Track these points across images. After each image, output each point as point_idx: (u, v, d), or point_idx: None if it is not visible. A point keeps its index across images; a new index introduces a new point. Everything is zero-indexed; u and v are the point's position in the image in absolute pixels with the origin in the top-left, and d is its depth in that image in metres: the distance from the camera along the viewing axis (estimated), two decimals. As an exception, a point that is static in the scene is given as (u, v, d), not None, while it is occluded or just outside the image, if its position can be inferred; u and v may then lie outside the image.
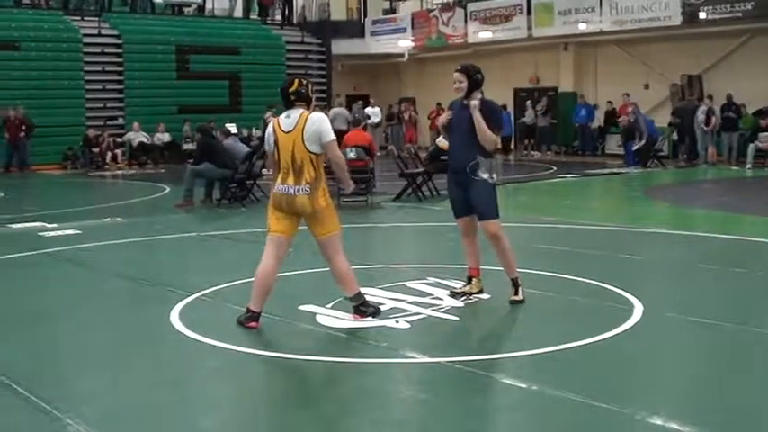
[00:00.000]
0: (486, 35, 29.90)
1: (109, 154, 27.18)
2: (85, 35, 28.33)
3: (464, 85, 7.56)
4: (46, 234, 12.48)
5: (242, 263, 10.09)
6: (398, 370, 5.95)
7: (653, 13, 25.75)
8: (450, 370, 5.81)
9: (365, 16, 36.32)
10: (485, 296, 7.78)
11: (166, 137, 28.37)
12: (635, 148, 23.42)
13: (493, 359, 6.15)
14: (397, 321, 6.99)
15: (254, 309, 6.90)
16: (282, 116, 6.98)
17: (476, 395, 5.42)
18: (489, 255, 7.82)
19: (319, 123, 6.85)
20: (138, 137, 27.78)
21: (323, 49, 33.46)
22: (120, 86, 28.85)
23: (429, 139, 29.27)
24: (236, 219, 14.40)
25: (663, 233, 12.18)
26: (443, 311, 7.33)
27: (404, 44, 32.99)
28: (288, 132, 6.84)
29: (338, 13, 35.86)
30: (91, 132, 27.05)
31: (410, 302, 7.60)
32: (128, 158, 27.75)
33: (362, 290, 7.20)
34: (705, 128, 23.38)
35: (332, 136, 6.88)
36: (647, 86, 27.12)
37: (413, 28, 32.85)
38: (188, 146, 27.22)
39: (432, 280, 8.47)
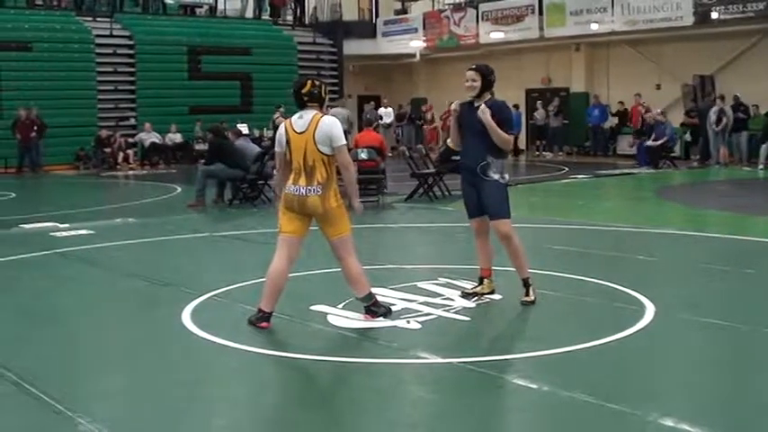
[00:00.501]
0: (497, 35, 29.86)
1: (121, 154, 27.27)
2: (97, 36, 28.42)
3: (478, 84, 7.55)
4: (58, 234, 12.52)
5: (253, 263, 10.11)
6: (409, 370, 5.95)
7: (665, 13, 25.69)
8: (462, 371, 5.81)
9: (377, 17, 36.31)
10: (496, 297, 7.77)
11: (178, 137, 28.44)
12: (648, 143, 23.41)
13: (504, 360, 6.14)
14: (408, 322, 6.99)
15: (265, 309, 6.91)
16: (295, 117, 6.98)
17: (487, 396, 5.42)
18: (501, 256, 7.81)
19: (330, 127, 6.83)
20: (149, 137, 27.86)
21: (334, 49, 33.48)
22: (132, 87, 28.93)
23: (441, 140, 29.28)
24: (247, 219, 14.42)
25: (675, 234, 12.15)
26: (455, 312, 7.32)
27: (415, 44, 32.98)
28: (300, 133, 6.85)
29: (350, 14, 35.85)
30: (103, 133, 27.15)
31: (421, 303, 7.59)
32: (139, 159, 27.84)
33: (373, 290, 7.20)
34: (716, 128, 23.31)
35: (342, 141, 6.86)
36: (658, 87, 27.05)
37: (424, 28, 32.82)
38: (200, 146, 27.30)
39: (443, 280, 8.46)
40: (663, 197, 17.01)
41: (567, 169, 23.35)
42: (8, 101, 25.74)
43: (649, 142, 23.47)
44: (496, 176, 7.51)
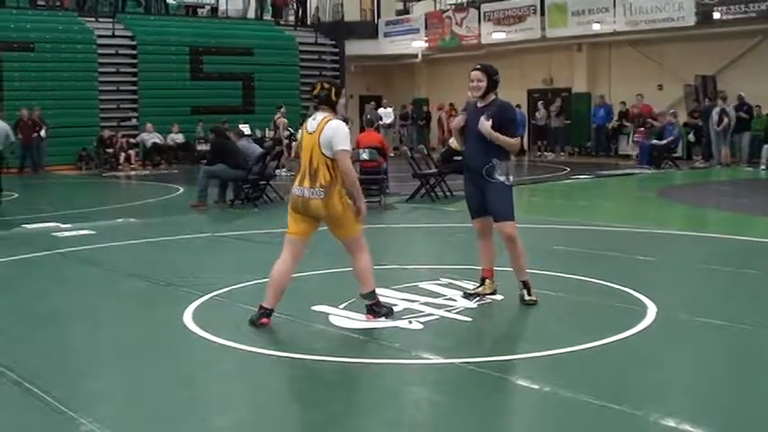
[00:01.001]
0: (499, 36, 29.85)
1: (123, 155, 27.28)
2: (100, 36, 28.45)
3: (483, 84, 7.54)
4: (60, 234, 12.54)
5: (255, 263, 10.12)
6: (411, 371, 5.95)
7: (667, 13, 25.67)
8: (464, 371, 5.81)
9: (379, 17, 36.31)
10: (498, 297, 7.77)
11: (180, 137, 28.46)
12: (653, 141, 23.45)
13: (506, 360, 6.14)
14: (410, 322, 6.99)
15: (266, 306, 6.93)
16: (311, 117, 7.05)
17: (489, 396, 5.42)
18: (504, 256, 7.80)
19: (334, 131, 6.82)
20: (151, 137, 27.88)
21: (336, 50, 33.49)
22: (134, 87, 28.96)
23: (437, 140, 29.35)
24: (249, 219, 14.43)
25: (676, 234, 12.15)
26: (456, 312, 7.33)
27: (417, 45, 32.97)
28: (310, 134, 6.92)
29: (352, 14, 35.85)
30: (105, 133, 27.18)
31: (423, 303, 7.59)
32: (141, 159, 27.86)
33: (376, 291, 7.20)
34: (717, 128, 23.30)
35: (342, 146, 6.83)
36: (660, 87, 27.03)
37: (426, 29, 32.81)
38: (201, 147, 27.34)
39: (445, 281, 8.46)
40: (664, 197, 17.00)
41: (568, 169, 23.34)
42: (10, 101, 25.74)
43: (655, 141, 23.50)
44: (502, 178, 7.51)
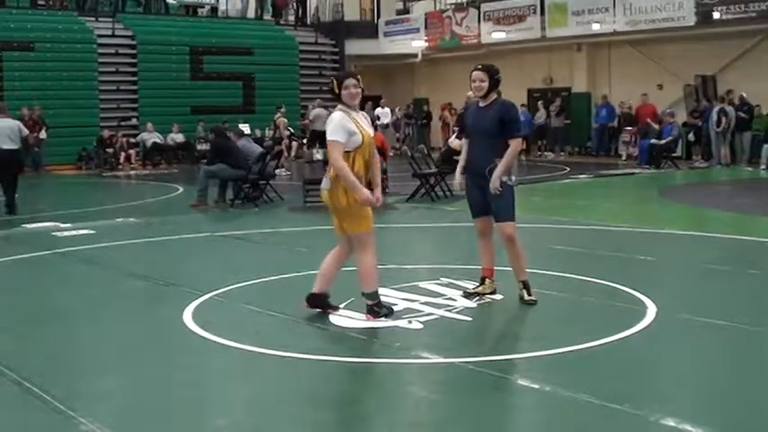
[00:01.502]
0: (499, 35, 29.85)
1: (123, 154, 27.30)
2: (100, 36, 28.46)
3: (485, 84, 7.54)
4: (60, 234, 12.54)
5: (255, 263, 10.14)
6: (411, 370, 5.95)
7: (667, 13, 25.67)
8: (464, 371, 5.81)
9: (378, 17, 36.31)
10: (498, 297, 7.77)
11: (180, 137, 28.46)
12: (653, 141, 23.47)
13: (506, 360, 6.14)
14: (409, 322, 6.99)
15: (313, 290, 7.22)
16: None
17: (489, 396, 5.41)
18: (504, 256, 7.80)
19: (329, 122, 7.01)
20: (151, 137, 27.88)
21: (336, 49, 33.50)
22: (134, 87, 28.96)
23: (441, 140, 29.30)
24: (249, 219, 14.43)
25: (676, 234, 12.15)
26: (456, 312, 7.32)
27: (417, 44, 32.97)
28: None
29: (351, 14, 35.84)
30: (105, 133, 27.17)
31: (423, 303, 7.59)
32: (141, 159, 27.87)
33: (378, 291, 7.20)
34: (717, 129, 23.30)
35: (332, 136, 6.90)
36: (660, 87, 27.02)
37: (426, 28, 32.80)
38: (201, 146, 27.34)
39: (445, 280, 8.46)
40: (665, 197, 17.00)
41: (568, 169, 23.34)
42: (11, 101, 25.68)
43: (654, 140, 23.52)
44: (504, 178, 7.51)
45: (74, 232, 12.65)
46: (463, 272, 8.67)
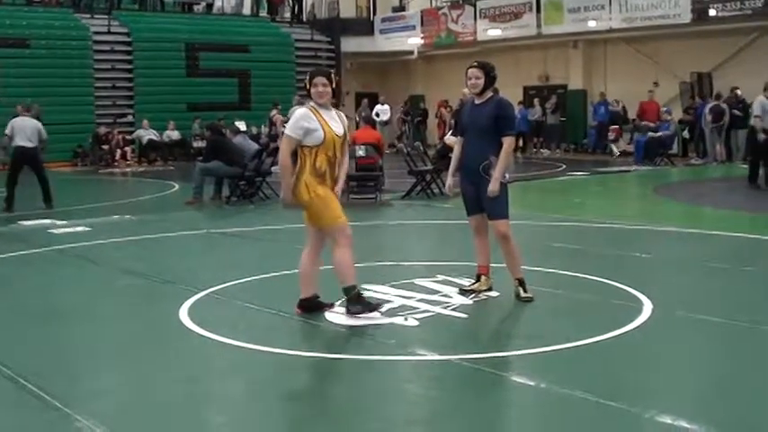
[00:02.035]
0: (495, 33, 29.88)
1: (118, 151, 27.30)
2: (95, 33, 28.45)
3: (481, 81, 7.54)
4: (56, 231, 12.54)
5: (251, 260, 10.14)
6: (407, 367, 5.95)
7: (662, 10, 25.71)
8: (459, 368, 5.81)
9: (374, 14, 36.33)
10: (494, 294, 7.78)
11: (176, 134, 28.46)
12: (649, 134, 23.53)
13: (502, 357, 6.14)
14: (405, 319, 6.99)
15: (301, 296, 7.19)
16: None
17: (484, 393, 5.42)
18: (500, 253, 7.80)
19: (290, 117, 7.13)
20: (147, 134, 27.88)
21: (332, 46, 33.52)
22: (130, 84, 28.95)
23: (436, 137, 29.35)
24: (245, 216, 14.43)
25: (672, 231, 12.16)
26: (452, 309, 7.33)
27: (413, 42, 32.99)
28: None
29: (347, 11, 35.86)
30: (101, 130, 27.16)
31: (419, 300, 7.60)
32: (137, 156, 27.84)
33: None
34: (712, 125, 23.32)
35: (286, 131, 7.01)
36: (656, 84, 27.06)
37: (422, 25, 32.84)
38: (197, 143, 27.33)
39: (441, 277, 8.46)
40: (660, 194, 17.02)
41: (564, 166, 23.37)
42: (6, 98, 25.66)
43: (651, 133, 23.59)
44: None
45: (70, 229, 12.64)
46: (459, 269, 8.67)
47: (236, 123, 20.02)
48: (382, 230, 13.20)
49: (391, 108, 31.65)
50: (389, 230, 13.28)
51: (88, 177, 24.02)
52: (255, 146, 17.15)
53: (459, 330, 6.88)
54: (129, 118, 28.87)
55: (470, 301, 7.60)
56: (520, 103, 27.82)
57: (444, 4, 33.56)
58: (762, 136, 16.89)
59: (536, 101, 29.52)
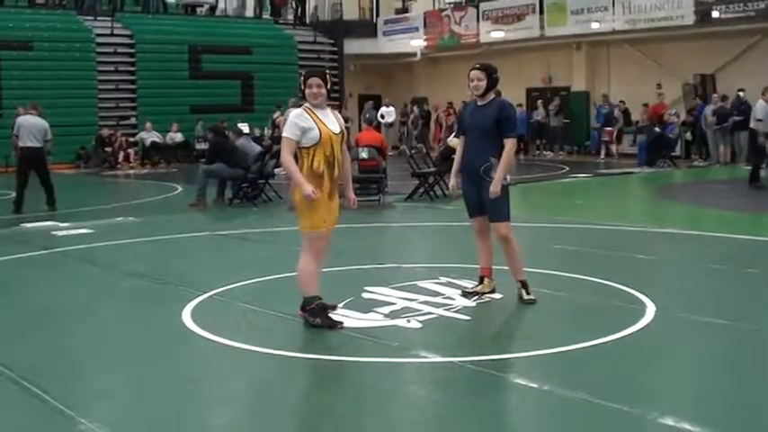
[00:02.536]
0: (498, 34, 29.87)
1: (121, 153, 27.33)
2: (98, 35, 28.48)
3: (483, 83, 7.54)
4: (59, 233, 12.54)
5: (254, 262, 10.14)
6: (410, 369, 5.95)
7: (666, 12, 25.70)
8: (462, 369, 5.81)
9: (377, 16, 36.33)
10: (497, 296, 7.77)
11: (179, 136, 28.47)
12: (655, 130, 23.57)
13: (505, 359, 6.14)
14: (408, 321, 6.99)
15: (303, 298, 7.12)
16: None
17: (487, 395, 5.42)
18: (502, 255, 7.80)
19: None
20: (150, 136, 27.91)
21: (335, 48, 33.53)
22: (133, 86, 28.98)
23: (431, 139, 29.39)
24: (248, 218, 14.43)
25: (675, 233, 12.15)
26: (455, 311, 7.32)
27: (416, 44, 32.98)
28: None
29: (350, 13, 35.88)
30: (104, 132, 27.19)
31: (422, 302, 7.59)
32: (140, 158, 27.87)
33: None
34: (716, 126, 23.31)
35: (284, 133, 6.99)
36: (659, 86, 27.05)
37: (425, 27, 32.83)
38: (200, 145, 27.35)
39: (443, 279, 8.46)
40: (663, 196, 17.01)
41: (567, 168, 23.36)
42: (9, 100, 25.72)
43: (657, 129, 23.64)
44: None
45: (73, 231, 12.65)
46: (462, 271, 8.67)
47: (239, 125, 20.02)
48: (385, 232, 13.20)
49: (397, 110, 31.70)
50: (392, 232, 13.28)
51: (91, 179, 24.04)
52: (258, 148, 17.15)
53: (462, 332, 6.88)
54: (132, 120, 28.91)
55: (473, 304, 7.59)
56: (519, 105, 27.76)
57: (447, 5, 33.56)
58: (762, 140, 16.90)
59: (539, 103, 29.51)
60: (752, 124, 18.04)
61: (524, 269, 7.68)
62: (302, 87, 7.03)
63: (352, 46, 33.71)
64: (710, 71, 25.92)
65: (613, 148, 27.00)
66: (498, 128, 7.47)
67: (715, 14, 24.66)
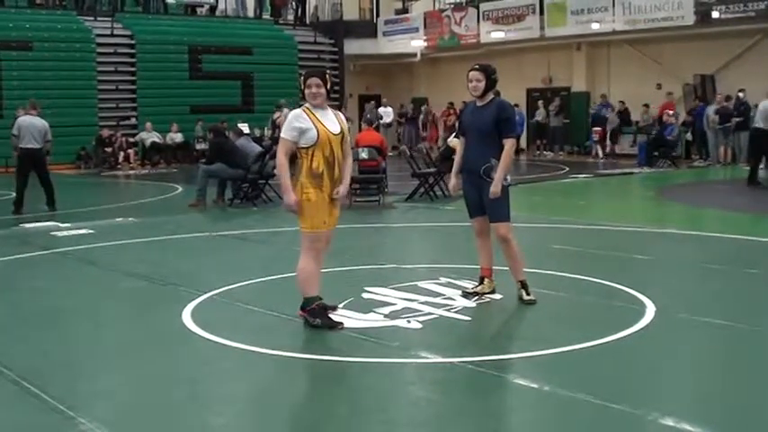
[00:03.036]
0: (498, 35, 29.86)
1: (121, 154, 27.31)
2: (98, 35, 28.46)
3: (482, 84, 7.54)
4: (59, 234, 12.53)
5: (254, 263, 10.14)
6: (410, 370, 5.94)
7: (666, 12, 25.69)
8: (463, 370, 5.81)
9: (377, 16, 36.32)
10: (497, 296, 7.77)
11: (179, 137, 28.46)
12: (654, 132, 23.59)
13: (505, 359, 6.14)
14: (408, 321, 6.99)
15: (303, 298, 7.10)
16: None
17: (488, 396, 5.42)
18: (502, 255, 7.80)
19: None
20: (150, 137, 27.90)
21: (335, 49, 33.51)
22: (133, 86, 28.96)
23: (441, 139, 29.33)
24: (248, 219, 14.43)
25: (675, 233, 12.15)
26: (455, 312, 7.32)
27: (416, 44, 32.97)
28: None
29: (351, 13, 35.86)
30: (104, 132, 27.17)
31: (422, 302, 7.59)
32: (140, 158, 27.87)
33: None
34: (718, 126, 23.32)
35: (282, 134, 7.00)
36: (659, 86, 27.05)
37: (425, 28, 32.83)
38: (200, 146, 27.34)
39: (444, 280, 8.46)
40: (663, 196, 17.01)
41: (567, 169, 23.36)
42: (9, 100, 25.71)
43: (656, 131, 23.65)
44: None
45: (73, 232, 12.64)
46: (462, 271, 8.67)
47: (239, 125, 20.00)
48: (385, 233, 13.20)
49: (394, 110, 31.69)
50: (392, 233, 13.27)
51: (91, 180, 24.04)
52: (258, 148, 17.15)
53: (463, 333, 6.88)
54: (133, 120, 28.89)
55: (473, 304, 7.59)
56: (516, 105, 27.70)
57: (447, 6, 33.56)
58: None
59: (540, 103, 29.51)
60: (754, 123, 18.02)
61: (524, 269, 7.69)
62: (301, 88, 7.03)
63: (353, 46, 33.71)
64: (710, 71, 25.93)
65: (599, 148, 27.05)
66: (498, 128, 7.47)
67: (715, 15, 24.65)
